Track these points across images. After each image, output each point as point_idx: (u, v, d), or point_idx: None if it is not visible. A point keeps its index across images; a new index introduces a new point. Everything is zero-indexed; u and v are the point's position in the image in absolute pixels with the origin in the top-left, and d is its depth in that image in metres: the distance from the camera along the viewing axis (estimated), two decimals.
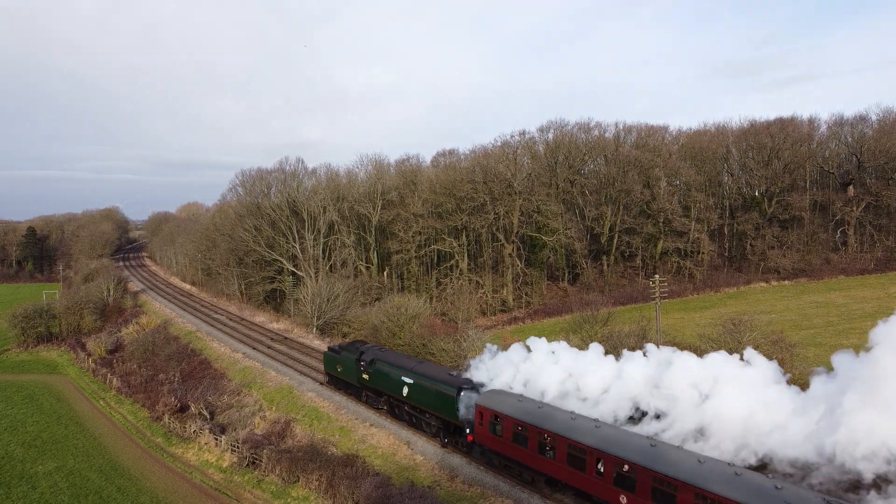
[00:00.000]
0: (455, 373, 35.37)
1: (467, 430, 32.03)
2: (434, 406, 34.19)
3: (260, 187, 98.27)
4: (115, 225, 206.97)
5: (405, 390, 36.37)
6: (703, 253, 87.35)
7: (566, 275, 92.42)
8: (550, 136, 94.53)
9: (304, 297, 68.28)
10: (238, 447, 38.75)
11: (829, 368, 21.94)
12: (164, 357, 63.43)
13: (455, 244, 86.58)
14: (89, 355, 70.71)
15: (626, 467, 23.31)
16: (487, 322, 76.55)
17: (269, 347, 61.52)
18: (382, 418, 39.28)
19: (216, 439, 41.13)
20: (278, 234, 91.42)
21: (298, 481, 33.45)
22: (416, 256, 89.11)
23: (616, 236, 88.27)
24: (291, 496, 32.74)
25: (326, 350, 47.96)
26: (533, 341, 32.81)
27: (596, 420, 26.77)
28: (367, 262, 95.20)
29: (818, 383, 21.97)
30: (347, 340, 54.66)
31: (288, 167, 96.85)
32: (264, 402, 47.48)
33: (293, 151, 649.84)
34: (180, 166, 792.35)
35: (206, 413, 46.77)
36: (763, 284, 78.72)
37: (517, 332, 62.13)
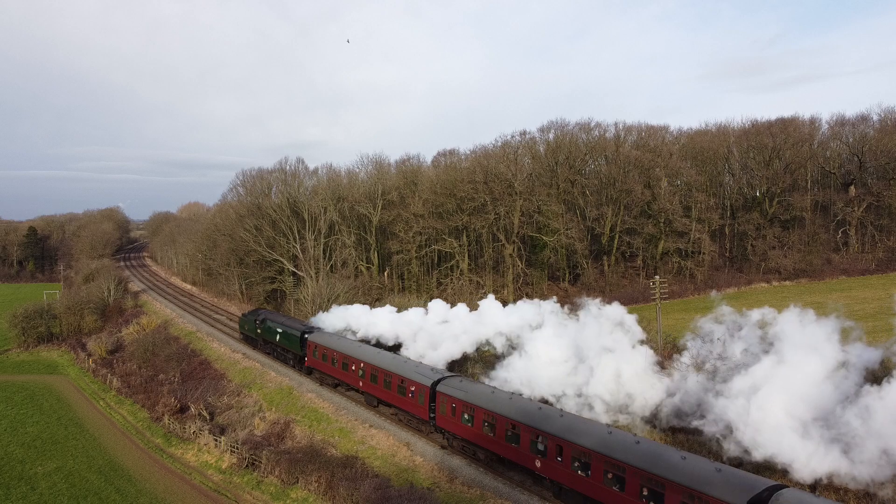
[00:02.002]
0: (306, 323, 53.40)
1: (305, 359, 48.31)
2: (290, 345, 51.05)
3: (260, 187, 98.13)
4: (116, 225, 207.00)
5: (278, 337, 53.27)
6: (704, 253, 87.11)
7: (567, 275, 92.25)
8: (551, 136, 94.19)
9: (304, 298, 68.22)
10: (237, 448, 38.72)
11: None
12: (165, 357, 63.37)
13: (456, 244, 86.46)
14: (90, 356, 70.70)
15: (363, 365, 40.69)
16: None
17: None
18: (382, 419, 39.29)
19: (216, 440, 41.08)
20: (279, 235, 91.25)
21: (298, 483, 33.41)
22: (416, 257, 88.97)
23: (617, 236, 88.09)
24: (291, 497, 32.68)
25: (241, 315, 68.32)
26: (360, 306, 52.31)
27: (369, 343, 45.04)
28: (367, 263, 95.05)
29: None
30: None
31: (288, 167, 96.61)
32: (264, 402, 47.45)
33: (294, 151, 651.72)
34: (181, 166, 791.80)
35: (205, 414, 46.74)
36: (764, 285, 78.51)
37: None
